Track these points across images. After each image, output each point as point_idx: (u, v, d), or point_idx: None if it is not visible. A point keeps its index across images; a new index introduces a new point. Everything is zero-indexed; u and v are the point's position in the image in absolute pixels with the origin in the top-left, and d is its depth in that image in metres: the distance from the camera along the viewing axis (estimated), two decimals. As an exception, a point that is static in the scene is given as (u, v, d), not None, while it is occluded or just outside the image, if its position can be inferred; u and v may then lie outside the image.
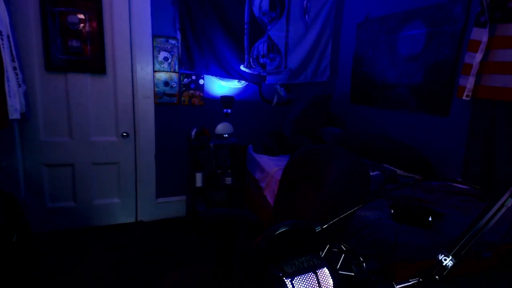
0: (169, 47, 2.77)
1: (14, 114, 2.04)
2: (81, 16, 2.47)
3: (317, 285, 0.52)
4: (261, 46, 3.00)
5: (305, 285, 0.52)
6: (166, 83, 2.82)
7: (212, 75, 2.97)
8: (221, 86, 3.04)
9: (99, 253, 2.41)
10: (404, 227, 1.39)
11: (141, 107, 2.75)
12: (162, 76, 2.80)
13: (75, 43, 2.49)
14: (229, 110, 2.94)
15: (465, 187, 1.96)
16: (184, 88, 2.90)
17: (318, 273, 0.53)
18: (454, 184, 2.02)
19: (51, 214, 2.67)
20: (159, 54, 2.75)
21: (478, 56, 1.90)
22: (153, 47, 2.72)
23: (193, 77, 2.91)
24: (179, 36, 2.75)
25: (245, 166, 3.15)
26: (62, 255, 2.36)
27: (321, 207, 1.17)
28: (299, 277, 0.52)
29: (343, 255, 0.59)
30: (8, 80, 1.97)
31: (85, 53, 2.54)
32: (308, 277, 0.53)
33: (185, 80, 2.89)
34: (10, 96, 1.99)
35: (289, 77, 3.14)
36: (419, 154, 2.32)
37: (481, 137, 1.99)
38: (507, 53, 1.81)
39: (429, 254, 1.27)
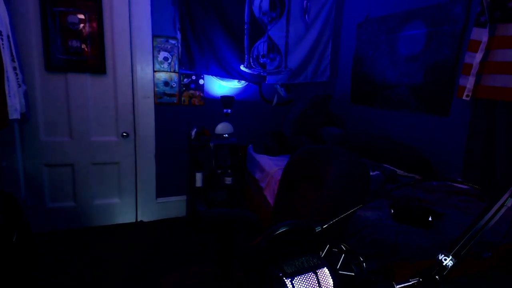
0: (169, 47, 2.77)
1: (14, 114, 2.04)
2: (81, 16, 2.47)
3: (317, 285, 0.52)
4: (261, 46, 3.00)
5: (305, 285, 0.52)
6: (166, 83, 2.82)
7: (212, 75, 2.97)
8: (221, 86, 3.04)
9: (99, 253, 2.41)
10: (404, 227, 1.39)
11: (141, 107, 2.75)
12: (162, 76, 2.80)
13: (75, 43, 2.49)
14: (229, 110, 2.94)
15: (465, 187, 1.96)
16: (184, 88, 2.90)
17: (318, 273, 0.53)
18: (454, 184, 2.02)
19: (51, 214, 2.67)
20: (159, 54, 2.75)
21: (478, 56, 1.90)
22: (153, 47, 2.72)
23: (193, 77, 2.91)
24: (179, 36, 2.75)
25: (245, 166, 3.15)
26: (62, 255, 2.36)
27: (321, 207, 1.17)
28: (299, 277, 0.52)
29: (343, 255, 0.59)
30: (8, 80, 1.97)
31: (85, 53, 2.54)
32: (308, 277, 0.53)
33: (185, 80, 2.89)
34: (10, 96, 1.99)
35: (289, 77, 3.14)
36: (419, 154, 2.32)
37: (481, 137, 1.99)
38: (507, 53, 1.81)
39: (429, 254, 1.27)
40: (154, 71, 2.76)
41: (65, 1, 2.41)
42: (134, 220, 2.96)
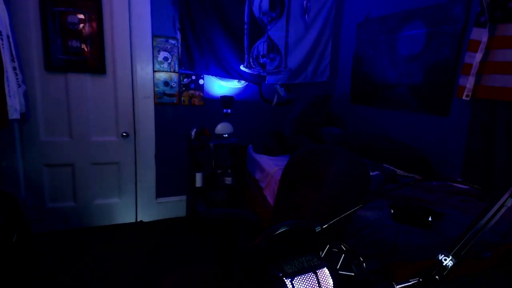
0: (169, 47, 2.77)
1: (14, 114, 2.04)
2: (81, 16, 2.47)
3: (317, 285, 0.52)
4: (261, 46, 3.00)
5: (305, 285, 0.52)
6: (166, 83, 2.82)
7: (212, 75, 2.96)
8: (221, 86, 3.04)
9: (99, 253, 2.41)
10: (404, 227, 1.39)
11: (141, 107, 2.75)
12: (162, 76, 2.80)
13: (75, 43, 2.49)
14: (229, 110, 2.94)
15: (465, 187, 1.96)
16: (184, 88, 2.90)
17: (318, 273, 0.53)
18: (454, 184, 2.02)
19: (51, 214, 2.67)
20: (159, 54, 2.75)
21: (478, 56, 1.90)
22: (153, 47, 2.72)
23: (193, 77, 2.91)
24: (179, 36, 2.75)
25: (245, 166, 3.15)
26: (62, 255, 2.36)
27: (321, 207, 1.17)
28: (299, 277, 0.52)
29: (343, 255, 0.59)
30: (8, 80, 1.97)
31: (85, 53, 2.54)
32: (308, 277, 0.53)
33: (185, 80, 2.89)
34: (10, 96, 1.99)
35: (289, 77, 3.14)
36: (419, 154, 2.32)
37: (481, 137, 1.99)
38: (507, 53, 1.81)
39: (429, 254, 1.27)
40: (154, 71, 2.76)
41: (65, 1, 2.41)
42: (134, 220, 2.96)
